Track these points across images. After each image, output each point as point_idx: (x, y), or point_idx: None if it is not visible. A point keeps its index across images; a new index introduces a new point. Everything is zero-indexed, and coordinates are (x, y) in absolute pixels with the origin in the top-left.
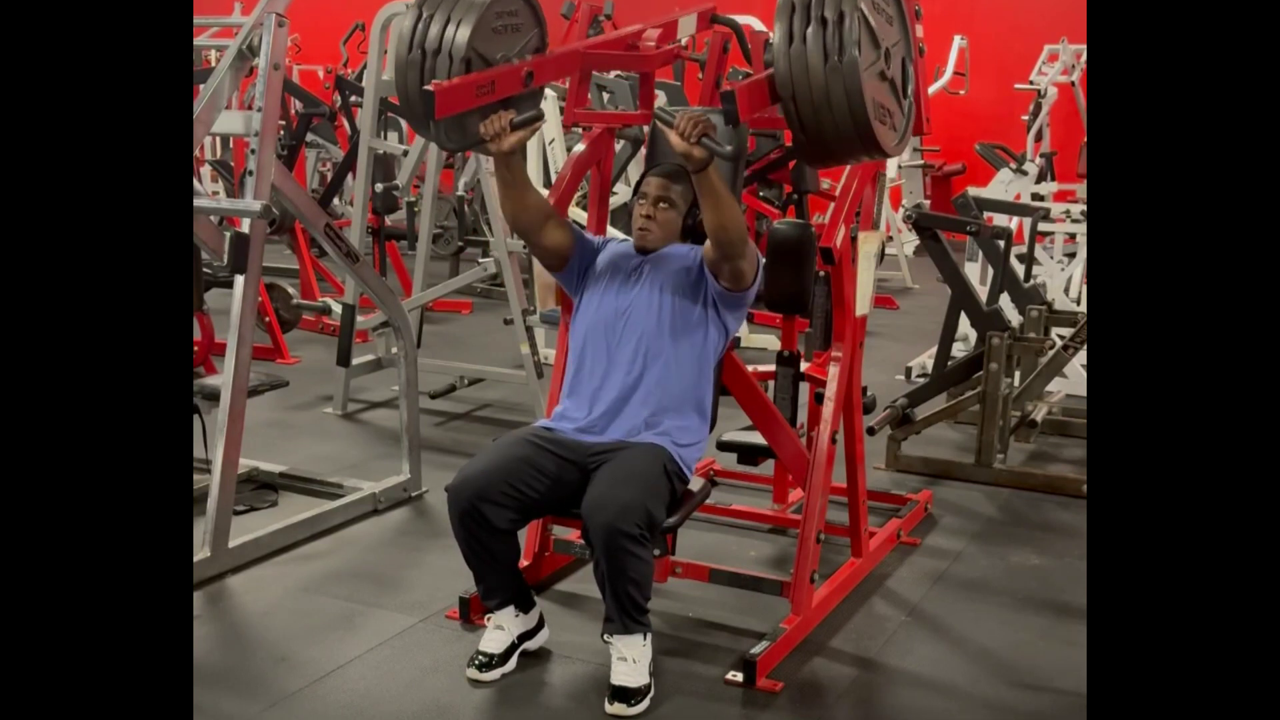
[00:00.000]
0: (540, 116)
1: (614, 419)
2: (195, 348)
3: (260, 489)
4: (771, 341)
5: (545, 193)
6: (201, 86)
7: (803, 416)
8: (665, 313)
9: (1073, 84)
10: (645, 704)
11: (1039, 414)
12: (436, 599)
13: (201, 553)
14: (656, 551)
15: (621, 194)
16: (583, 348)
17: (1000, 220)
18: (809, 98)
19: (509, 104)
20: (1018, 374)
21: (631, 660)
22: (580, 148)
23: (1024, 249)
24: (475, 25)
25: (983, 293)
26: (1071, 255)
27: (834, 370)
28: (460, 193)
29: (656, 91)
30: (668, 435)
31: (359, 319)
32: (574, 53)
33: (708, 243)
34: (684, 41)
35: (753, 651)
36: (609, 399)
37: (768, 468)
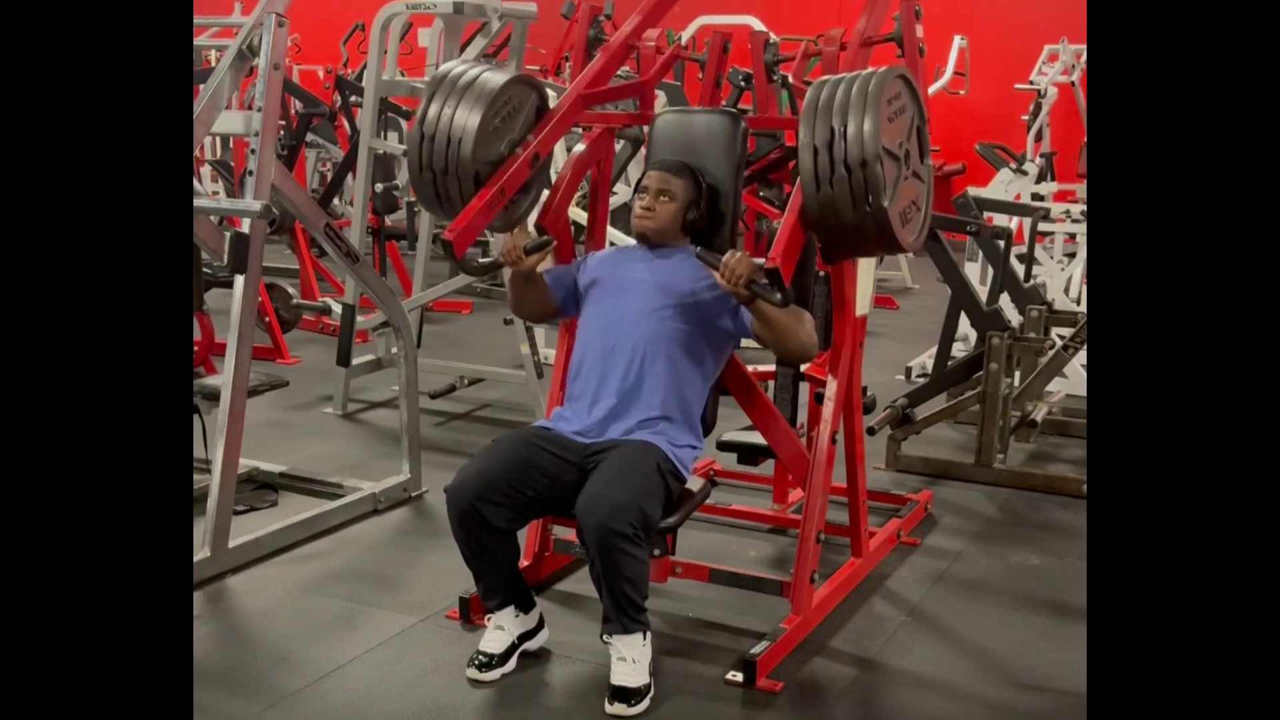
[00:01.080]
0: (551, 243)
1: (613, 422)
2: (195, 348)
3: (260, 489)
4: None
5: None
6: (201, 86)
7: (803, 416)
8: (665, 318)
9: (1073, 84)
10: (645, 704)
11: (1039, 414)
12: (436, 599)
13: (201, 553)
14: (656, 551)
15: (621, 194)
16: (581, 353)
17: (1000, 220)
18: (840, 229)
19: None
20: (1018, 374)
21: (631, 660)
22: (580, 148)
23: (1024, 249)
24: (475, 140)
25: (983, 293)
26: (1071, 255)
27: (834, 370)
28: None
29: (656, 92)
30: (663, 435)
31: (359, 319)
32: (574, 105)
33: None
34: (684, 41)
35: (753, 651)
36: (608, 402)
37: (768, 468)
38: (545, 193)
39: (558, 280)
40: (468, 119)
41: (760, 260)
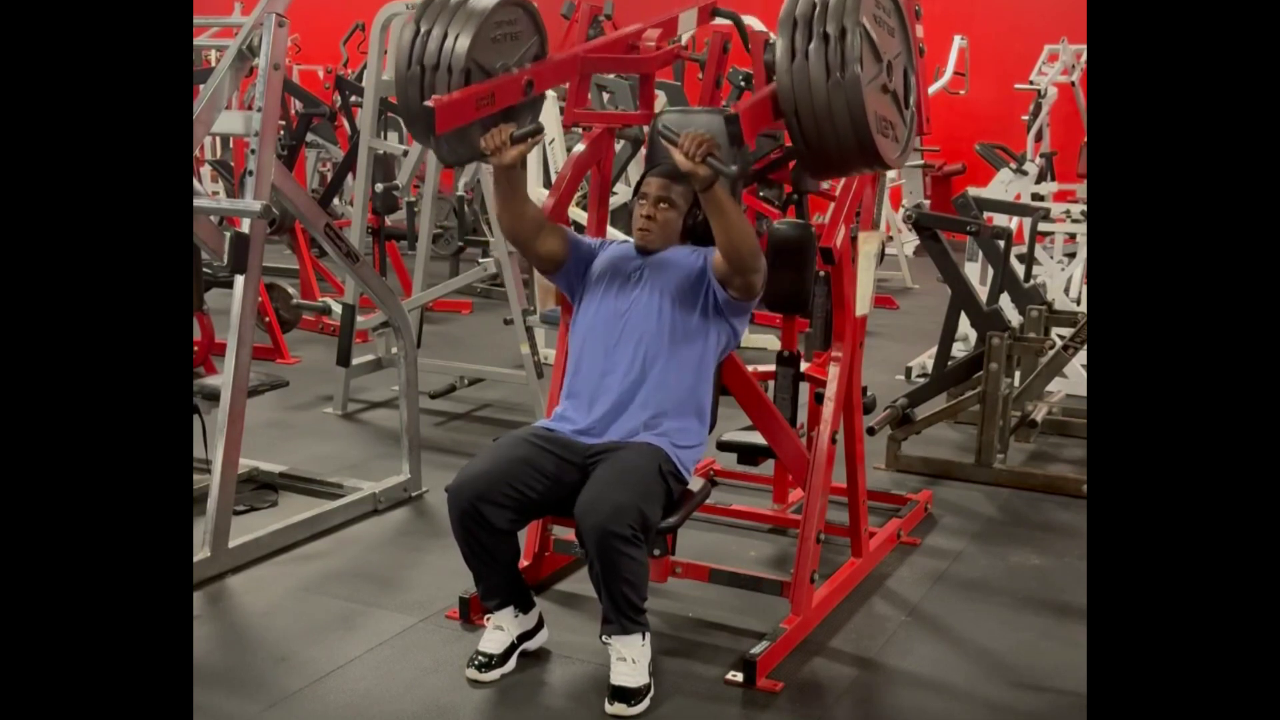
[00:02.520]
0: (540, 130)
1: (613, 421)
2: (195, 348)
3: (260, 489)
4: (771, 341)
5: (545, 193)
6: (201, 86)
7: (803, 416)
8: (665, 315)
9: (1073, 84)
10: (645, 704)
11: (1039, 414)
12: (436, 599)
13: (201, 553)
14: (656, 552)
15: (621, 194)
16: (581, 350)
17: (1000, 220)
18: (811, 113)
19: (510, 113)
20: (1018, 374)
21: (631, 660)
22: (580, 148)
23: (1024, 249)
24: (474, 36)
25: (983, 293)
26: (1071, 255)
27: (834, 370)
28: (460, 193)
29: (656, 91)
30: (666, 436)
31: (359, 319)
32: (573, 58)
33: (717, 255)
34: (684, 41)
35: (753, 651)
36: (608, 402)
37: (768, 468)
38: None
39: (578, 242)
40: (467, 19)
41: (716, 115)
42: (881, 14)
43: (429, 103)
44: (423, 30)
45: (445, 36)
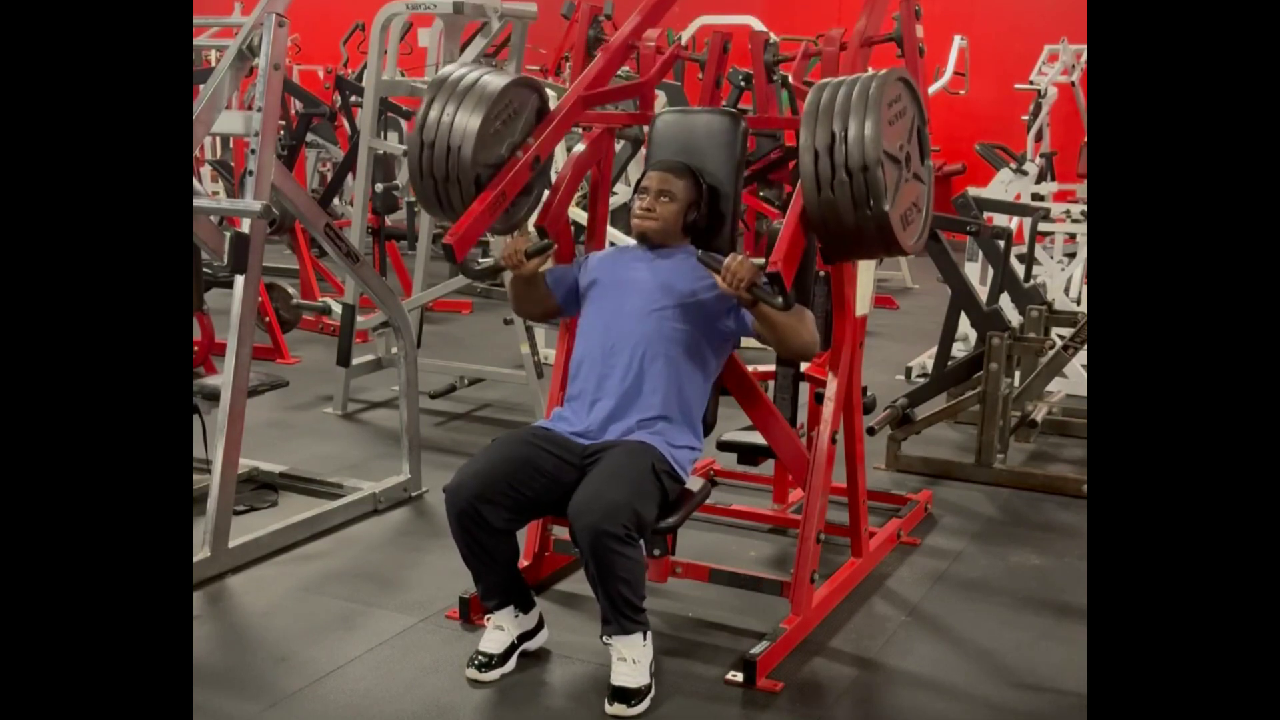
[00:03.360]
0: (551, 246)
1: (612, 422)
2: (195, 348)
3: (260, 489)
4: None
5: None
6: (201, 86)
7: (803, 416)
8: (664, 319)
9: (1073, 84)
10: (645, 704)
11: (1039, 414)
12: (436, 599)
13: (201, 553)
14: (656, 552)
15: (621, 194)
16: (581, 350)
17: (1000, 220)
18: (841, 232)
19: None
20: (1018, 374)
21: (631, 660)
22: (580, 148)
23: (1024, 249)
24: (475, 144)
25: (983, 293)
26: (1071, 255)
27: (834, 370)
28: None
29: (656, 92)
30: (661, 435)
31: (359, 319)
32: (573, 108)
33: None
34: (684, 41)
35: (753, 651)
36: (607, 405)
37: (768, 468)
38: (546, 193)
39: (558, 280)
40: (467, 123)
41: (761, 261)
42: (892, 98)
43: (446, 241)
44: (426, 141)
45: (449, 150)
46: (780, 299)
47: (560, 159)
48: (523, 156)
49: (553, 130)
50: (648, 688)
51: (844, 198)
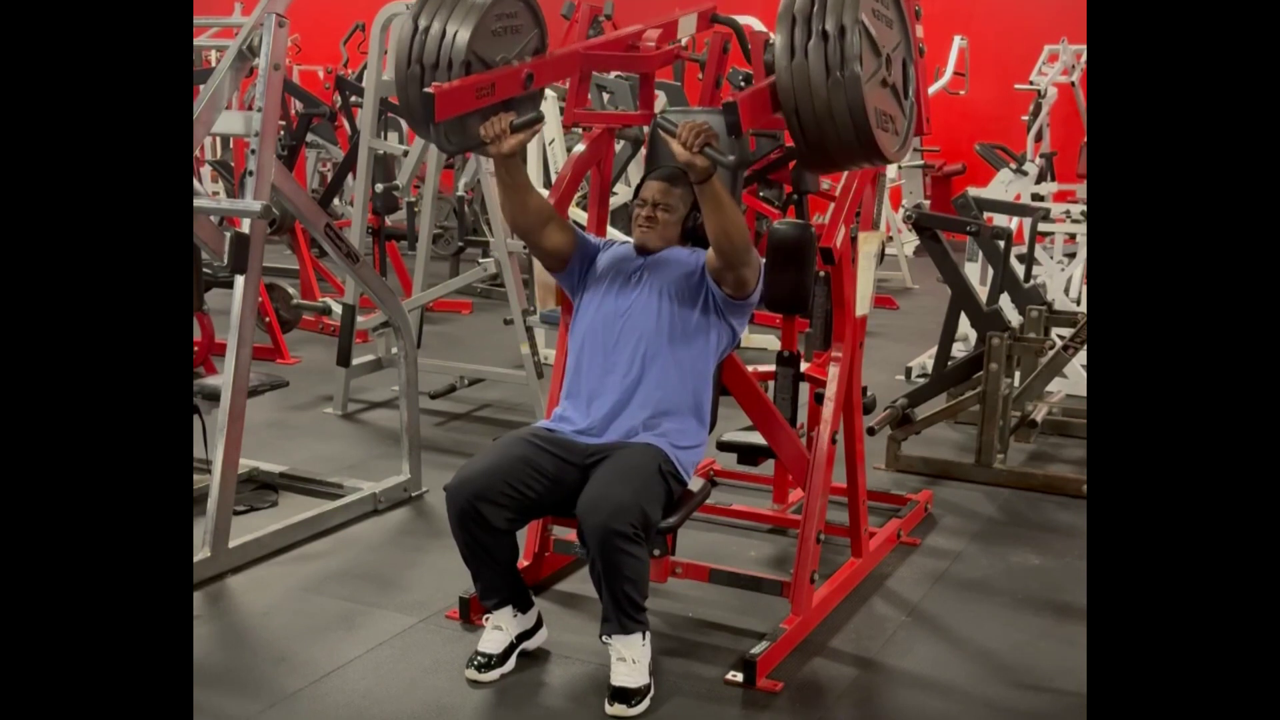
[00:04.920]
0: (540, 119)
1: (612, 421)
2: (195, 348)
3: (260, 489)
4: (771, 341)
5: (545, 193)
6: (201, 86)
7: (803, 416)
8: (665, 315)
9: (1073, 84)
10: (645, 704)
11: (1039, 414)
12: (436, 599)
13: (201, 553)
14: (656, 552)
15: (621, 194)
16: (581, 349)
17: (1000, 220)
18: (811, 110)
19: (509, 106)
20: (1018, 374)
21: (631, 660)
22: (580, 148)
23: (1024, 249)
24: (474, 29)
25: (983, 293)
26: (1071, 255)
27: (834, 370)
28: (460, 193)
29: (656, 92)
30: (665, 436)
31: (359, 319)
32: (574, 54)
33: (710, 250)
34: (684, 42)
35: (753, 651)
36: (607, 402)
37: (768, 468)
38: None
39: (585, 239)
40: (467, 13)
41: (715, 114)
42: (880, 7)
43: (429, 89)
44: (421, 27)
45: (444, 34)
46: (731, 157)
47: (560, 159)
48: (517, 64)
49: (550, 61)
50: (647, 688)
51: (816, 60)
